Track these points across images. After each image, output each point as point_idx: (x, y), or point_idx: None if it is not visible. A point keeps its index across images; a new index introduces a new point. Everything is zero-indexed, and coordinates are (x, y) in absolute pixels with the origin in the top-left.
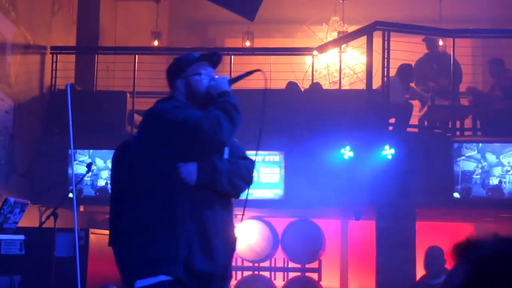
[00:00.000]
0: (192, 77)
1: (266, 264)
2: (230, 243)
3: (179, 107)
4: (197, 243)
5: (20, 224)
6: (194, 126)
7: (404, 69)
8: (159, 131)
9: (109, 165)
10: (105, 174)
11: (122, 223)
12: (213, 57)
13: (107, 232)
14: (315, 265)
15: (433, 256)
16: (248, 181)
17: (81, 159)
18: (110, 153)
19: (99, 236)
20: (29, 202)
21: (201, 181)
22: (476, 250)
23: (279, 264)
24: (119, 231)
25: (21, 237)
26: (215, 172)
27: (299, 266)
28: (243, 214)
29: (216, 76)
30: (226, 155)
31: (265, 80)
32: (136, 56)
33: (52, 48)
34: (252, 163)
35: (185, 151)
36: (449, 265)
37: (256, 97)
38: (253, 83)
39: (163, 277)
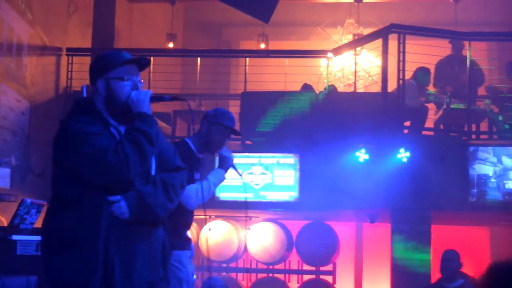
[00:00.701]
0: (115, 80)
1: (280, 266)
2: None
3: (91, 133)
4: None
5: (37, 225)
6: (101, 162)
7: (421, 73)
8: (65, 155)
9: None
10: None
11: None
12: (142, 61)
13: None
14: (329, 267)
15: (449, 259)
16: (172, 201)
17: None
18: None
19: None
20: (45, 203)
21: (133, 217)
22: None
23: (294, 266)
24: None
25: (38, 238)
26: (144, 207)
27: (313, 268)
28: (205, 215)
29: (141, 83)
30: (153, 171)
31: (190, 110)
32: (152, 58)
33: (68, 49)
34: (180, 176)
35: (90, 182)
36: (464, 269)
37: (271, 99)
38: (270, 85)
39: None
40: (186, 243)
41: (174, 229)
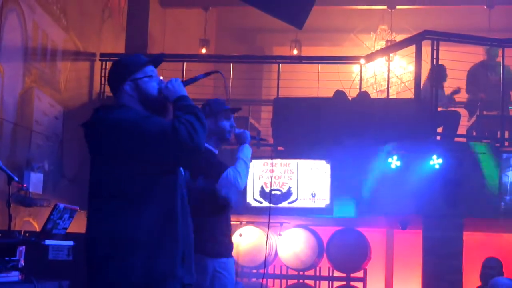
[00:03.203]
0: (143, 79)
1: (311, 272)
2: None
3: (147, 116)
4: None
5: (69, 230)
6: (173, 135)
7: (436, 71)
8: (130, 144)
9: None
10: None
11: None
12: (159, 58)
13: None
14: (360, 274)
15: (490, 267)
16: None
17: None
18: None
19: None
20: (78, 208)
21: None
22: None
23: (324, 273)
24: None
25: (70, 243)
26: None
27: (344, 275)
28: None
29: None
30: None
31: (225, 82)
32: (184, 63)
33: (102, 55)
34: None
35: (162, 162)
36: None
37: (303, 105)
38: (302, 91)
39: None
40: (231, 250)
41: (218, 236)
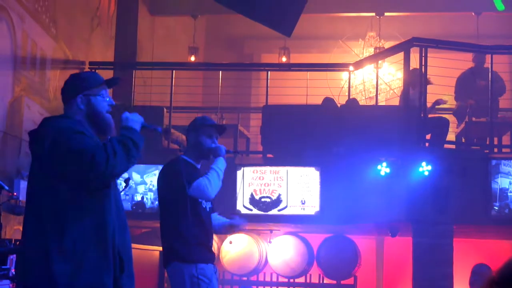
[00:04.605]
0: (96, 97)
1: (301, 280)
2: None
3: (79, 131)
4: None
5: None
6: (90, 159)
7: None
8: (54, 154)
9: (146, 180)
10: (142, 189)
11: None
12: (114, 82)
13: (145, 246)
14: (350, 281)
15: (480, 273)
16: None
17: None
18: (147, 167)
19: (138, 251)
20: None
21: None
22: None
23: (314, 280)
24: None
25: None
26: None
27: (334, 282)
28: None
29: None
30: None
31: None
32: (173, 71)
33: (91, 63)
34: None
35: (75, 181)
36: None
37: (292, 112)
38: (291, 98)
39: None
40: (210, 256)
41: (195, 242)
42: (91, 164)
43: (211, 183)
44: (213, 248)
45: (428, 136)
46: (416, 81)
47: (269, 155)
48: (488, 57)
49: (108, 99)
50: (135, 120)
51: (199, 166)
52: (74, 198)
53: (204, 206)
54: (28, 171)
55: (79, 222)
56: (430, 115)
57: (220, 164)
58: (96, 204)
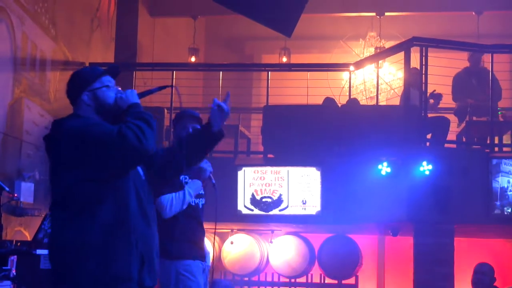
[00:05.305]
0: (101, 89)
1: (302, 279)
2: None
3: (95, 123)
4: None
5: None
6: (120, 139)
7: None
8: (77, 151)
9: None
10: None
11: None
12: (115, 70)
13: None
14: (351, 281)
15: (482, 272)
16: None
17: None
18: None
19: None
20: None
21: None
22: None
23: (316, 279)
24: None
25: None
26: None
27: (335, 282)
28: None
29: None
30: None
31: (179, 96)
32: (174, 72)
33: (91, 64)
34: None
35: (106, 167)
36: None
37: (293, 112)
38: (292, 99)
39: None
40: (198, 253)
41: (183, 238)
42: (123, 143)
43: (173, 204)
44: (212, 248)
45: (428, 136)
46: (417, 81)
47: (270, 155)
48: (484, 57)
49: (112, 87)
50: (132, 95)
51: None
52: (98, 192)
53: (196, 203)
54: (48, 174)
55: (104, 215)
56: (432, 114)
57: (194, 188)
58: (115, 200)
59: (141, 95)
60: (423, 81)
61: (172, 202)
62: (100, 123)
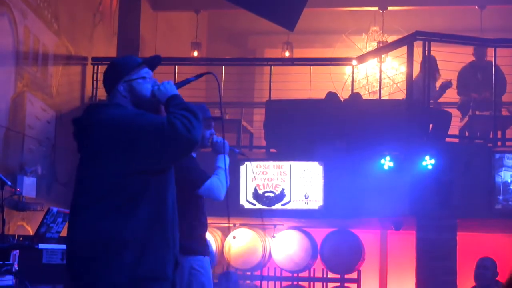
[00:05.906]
0: (136, 80)
1: (305, 274)
2: None
3: (141, 113)
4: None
5: (62, 234)
6: (171, 129)
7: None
8: (125, 141)
9: None
10: None
11: None
12: (154, 61)
13: None
14: (354, 275)
15: (484, 267)
16: None
17: None
18: None
19: None
20: None
21: None
22: None
23: (318, 274)
24: None
25: (63, 246)
26: None
27: (338, 276)
28: None
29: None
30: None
31: (218, 83)
32: (176, 66)
33: (93, 59)
34: None
35: (156, 157)
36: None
37: (296, 107)
38: (294, 93)
39: None
40: (206, 249)
41: (195, 234)
42: (175, 134)
43: (222, 184)
44: (216, 243)
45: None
46: (433, 67)
47: (273, 150)
48: (488, 51)
49: (149, 79)
50: (170, 86)
51: (195, 156)
52: (145, 184)
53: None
54: (78, 162)
55: (140, 211)
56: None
57: (227, 164)
58: (156, 194)
59: (179, 85)
60: (426, 76)
61: (222, 183)
62: (145, 113)
